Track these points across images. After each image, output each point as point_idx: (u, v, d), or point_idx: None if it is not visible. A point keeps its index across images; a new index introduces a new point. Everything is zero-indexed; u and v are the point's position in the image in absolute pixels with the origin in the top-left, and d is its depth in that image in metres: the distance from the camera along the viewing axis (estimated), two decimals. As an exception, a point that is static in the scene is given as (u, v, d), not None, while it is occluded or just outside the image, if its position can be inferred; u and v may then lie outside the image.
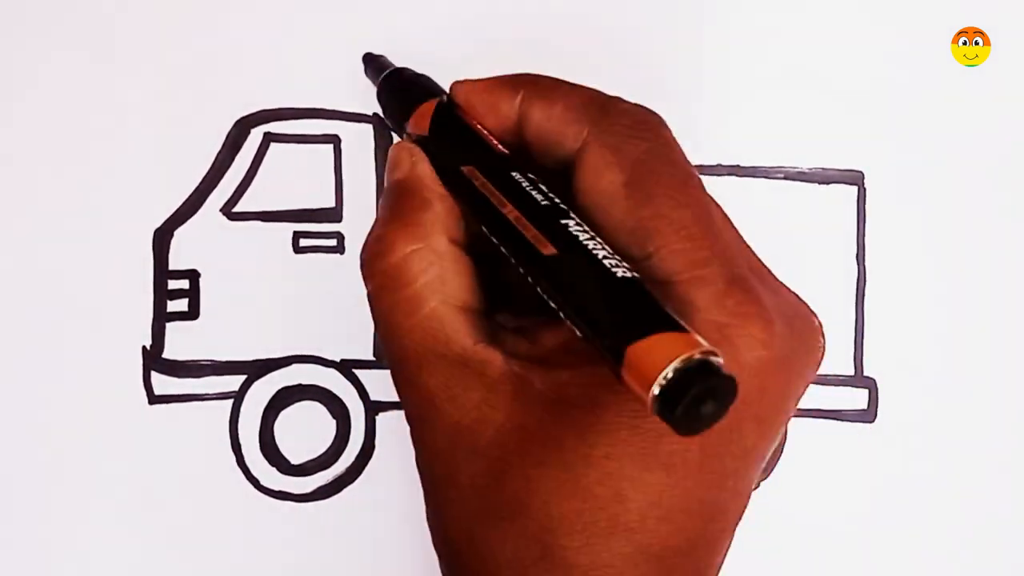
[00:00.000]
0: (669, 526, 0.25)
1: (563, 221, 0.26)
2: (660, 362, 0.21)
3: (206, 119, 0.37)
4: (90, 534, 0.36)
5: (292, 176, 0.37)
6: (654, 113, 0.27)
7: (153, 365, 0.36)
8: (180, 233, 0.36)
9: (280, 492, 0.36)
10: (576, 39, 0.37)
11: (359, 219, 0.37)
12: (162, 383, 0.36)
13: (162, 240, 0.36)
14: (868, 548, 0.37)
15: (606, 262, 0.24)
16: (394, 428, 0.37)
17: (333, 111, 0.37)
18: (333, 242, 0.37)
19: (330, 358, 0.37)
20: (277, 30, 0.37)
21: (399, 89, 0.33)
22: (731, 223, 0.28)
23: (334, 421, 0.37)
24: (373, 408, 0.37)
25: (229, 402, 0.36)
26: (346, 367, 0.37)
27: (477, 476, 0.26)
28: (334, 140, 0.37)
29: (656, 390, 0.21)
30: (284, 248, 0.37)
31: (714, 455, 0.25)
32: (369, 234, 0.28)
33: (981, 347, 0.37)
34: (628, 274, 0.24)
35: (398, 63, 0.35)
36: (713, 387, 0.21)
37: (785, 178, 0.37)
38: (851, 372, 0.37)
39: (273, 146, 0.37)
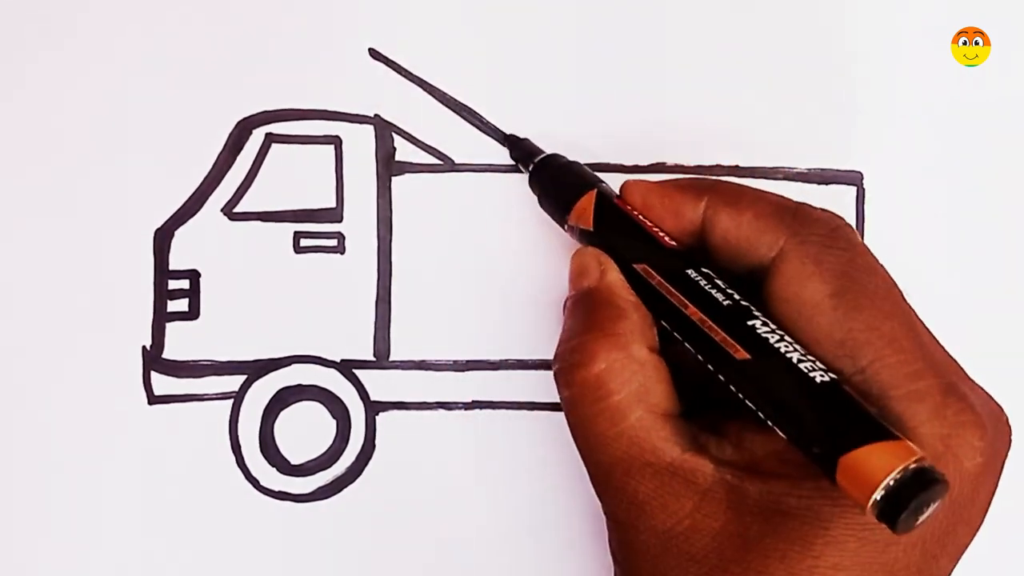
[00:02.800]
0: None
1: (749, 322, 0.26)
2: (878, 473, 0.22)
3: (208, 120, 0.37)
4: (90, 534, 0.36)
5: (293, 176, 0.37)
6: (844, 220, 0.28)
7: (153, 365, 0.36)
8: (181, 233, 0.37)
9: (280, 492, 0.36)
10: (576, 39, 0.37)
11: (359, 219, 0.37)
12: (162, 383, 0.36)
13: (163, 240, 0.36)
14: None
15: (802, 366, 0.25)
16: (394, 428, 0.37)
17: (334, 112, 0.37)
18: (333, 242, 0.37)
19: (330, 358, 0.37)
20: (279, 32, 0.37)
21: (555, 179, 0.33)
22: (928, 329, 0.28)
23: (334, 421, 0.37)
24: (373, 408, 0.37)
25: (229, 402, 0.36)
26: (346, 367, 0.37)
27: None
28: (335, 141, 0.37)
29: (877, 497, 0.22)
30: (284, 248, 0.37)
31: (932, 557, 0.25)
32: (563, 343, 0.28)
33: (980, 347, 0.37)
34: (827, 378, 0.24)
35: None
36: (933, 493, 0.22)
37: (784, 178, 0.36)
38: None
39: (274, 147, 0.37)
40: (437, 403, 0.37)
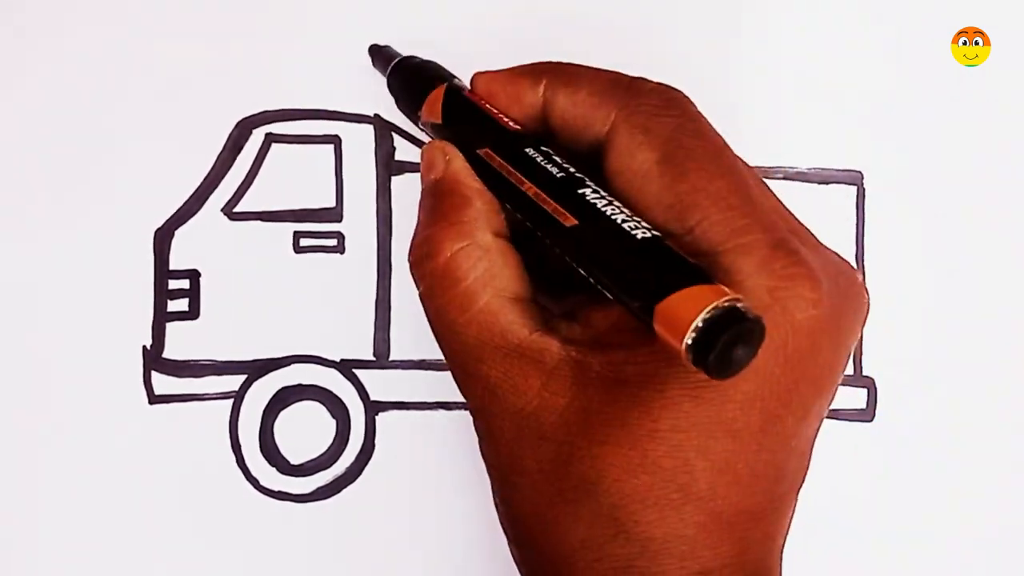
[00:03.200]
0: (739, 491, 0.25)
1: (580, 191, 0.26)
2: (689, 314, 0.22)
3: (208, 120, 0.37)
4: (90, 534, 0.36)
5: (293, 176, 0.37)
6: (678, 90, 0.28)
7: (153, 365, 0.36)
8: (181, 233, 0.37)
9: (280, 492, 0.36)
10: (575, 39, 0.37)
11: (359, 219, 0.37)
12: (162, 383, 0.36)
13: (163, 240, 0.36)
14: (866, 547, 0.37)
15: (625, 226, 0.25)
16: (394, 428, 0.37)
17: (334, 112, 0.37)
18: (333, 242, 0.37)
19: (330, 358, 0.37)
20: (279, 32, 0.37)
21: (409, 78, 0.33)
22: (767, 188, 0.28)
23: (334, 421, 0.37)
24: (373, 408, 0.37)
25: (229, 402, 0.36)
26: (346, 367, 0.37)
27: (544, 461, 0.26)
28: (335, 140, 0.37)
29: (688, 341, 0.22)
30: (284, 248, 0.37)
31: (775, 417, 0.25)
32: (413, 237, 0.28)
33: (980, 347, 0.37)
34: (649, 234, 0.24)
35: (399, 51, 0.35)
36: (742, 330, 0.22)
37: (784, 178, 0.36)
38: (850, 371, 0.37)
39: (274, 147, 0.37)
40: (437, 403, 0.37)
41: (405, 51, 0.34)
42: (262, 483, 0.36)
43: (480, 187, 0.28)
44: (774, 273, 0.25)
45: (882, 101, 0.37)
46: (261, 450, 0.36)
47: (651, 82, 0.28)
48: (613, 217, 0.25)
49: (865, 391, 0.37)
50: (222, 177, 0.37)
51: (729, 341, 0.22)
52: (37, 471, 0.36)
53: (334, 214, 0.37)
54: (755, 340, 0.22)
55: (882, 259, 0.37)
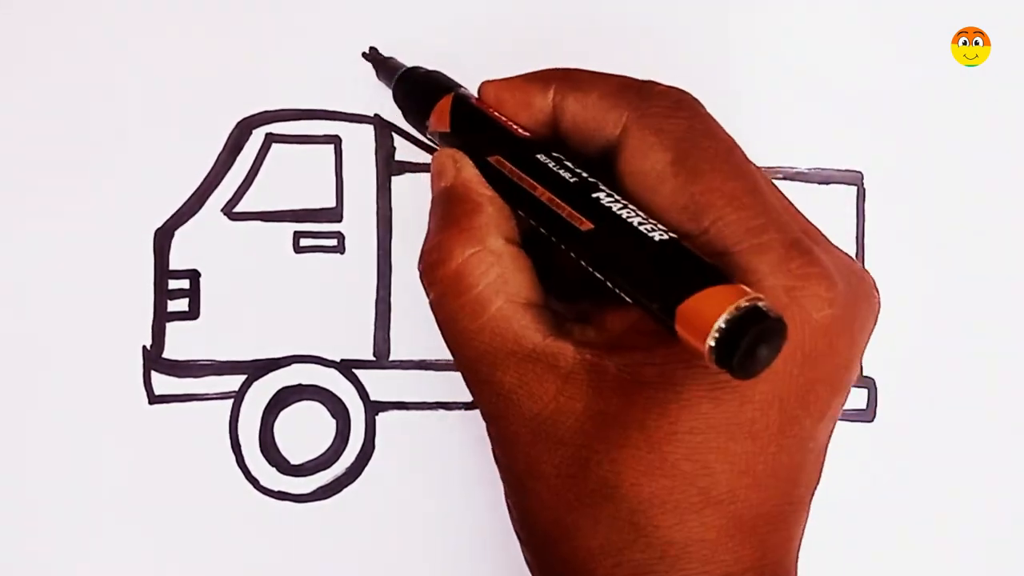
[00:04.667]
0: (758, 494, 0.25)
1: (594, 195, 0.26)
2: (711, 315, 0.22)
3: (208, 120, 0.37)
4: (90, 534, 0.36)
5: (293, 176, 0.37)
6: (688, 92, 0.28)
7: (153, 365, 0.36)
8: (181, 233, 0.37)
9: (280, 492, 0.36)
10: (575, 40, 0.37)
11: (359, 219, 0.37)
12: (162, 383, 0.36)
13: (163, 240, 0.36)
14: (867, 547, 0.37)
15: (642, 228, 0.25)
16: (394, 428, 0.37)
17: (334, 112, 0.37)
18: (333, 242, 0.37)
19: (330, 358, 0.37)
20: (279, 32, 0.37)
21: (415, 89, 0.33)
22: (777, 189, 0.28)
23: (334, 421, 0.37)
24: (373, 408, 0.37)
25: (229, 402, 0.36)
26: (346, 367, 0.37)
27: (562, 465, 0.26)
28: (335, 140, 0.37)
29: (712, 342, 0.22)
30: (284, 248, 0.37)
31: (793, 418, 0.25)
32: (424, 244, 0.28)
33: (980, 347, 0.37)
34: (666, 236, 0.25)
35: (405, 64, 0.35)
36: (765, 330, 0.22)
37: (784, 178, 0.37)
38: (851, 372, 0.37)
39: (274, 147, 0.37)
40: (437, 403, 0.37)
41: (406, 56, 0.34)
42: (262, 483, 0.36)
43: (491, 193, 0.28)
44: (790, 272, 0.25)
45: (882, 101, 0.37)
46: (261, 450, 0.36)
47: (661, 85, 0.28)
48: (629, 220, 0.25)
49: (865, 391, 0.37)
50: (222, 177, 0.37)
51: (753, 341, 0.22)
52: (37, 471, 0.36)
53: (334, 214, 0.37)
54: (777, 339, 0.22)
55: (882, 259, 0.37)
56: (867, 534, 0.37)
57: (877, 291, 0.28)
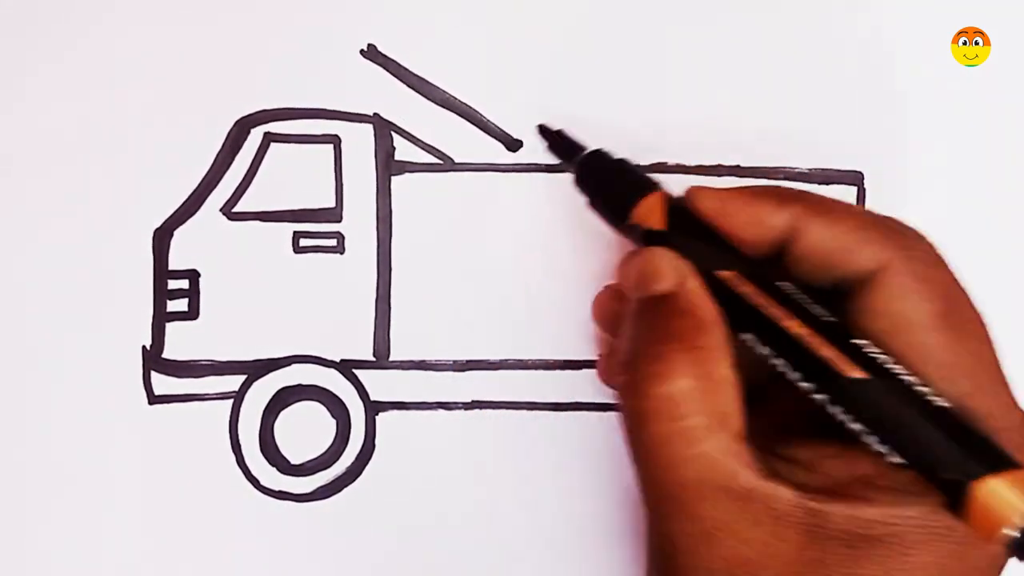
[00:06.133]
0: None
1: (853, 340, 0.25)
2: (1012, 503, 0.22)
3: (206, 119, 0.37)
4: (90, 534, 0.36)
5: (292, 176, 0.37)
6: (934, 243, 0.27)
7: (153, 365, 0.36)
8: (180, 233, 0.36)
9: (280, 492, 0.36)
10: (576, 39, 0.37)
11: (359, 219, 0.37)
12: (162, 383, 0.36)
13: (162, 240, 0.36)
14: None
15: (918, 389, 0.24)
16: (394, 428, 0.37)
17: (333, 111, 0.37)
18: (333, 242, 0.37)
19: (330, 358, 0.37)
20: (277, 30, 0.37)
21: (615, 176, 0.31)
22: None
23: (334, 421, 0.37)
24: (373, 408, 0.37)
25: (229, 402, 0.36)
26: (346, 367, 0.36)
27: None
28: (334, 140, 0.37)
29: (1015, 532, 0.22)
30: (284, 248, 0.37)
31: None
32: (637, 350, 0.27)
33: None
34: (944, 403, 0.24)
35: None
36: None
37: (785, 178, 0.36)
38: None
39: (273, 146, 0.37)
40: (437, 403, 0.36)
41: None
42: (262, 483, 0.36)
43: (718, 314, 0.27)
44: None
45: (882, 101, 0.37)
46: (261, 450, 0.36)
47: (911, 227, 0.28)
48: (904, 377, 0.24)
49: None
50: (221, 177, 0.37)
51: None
52: (37, 471, 0.36)
53: (334, 214, 0.37)
54: None
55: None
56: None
57: None
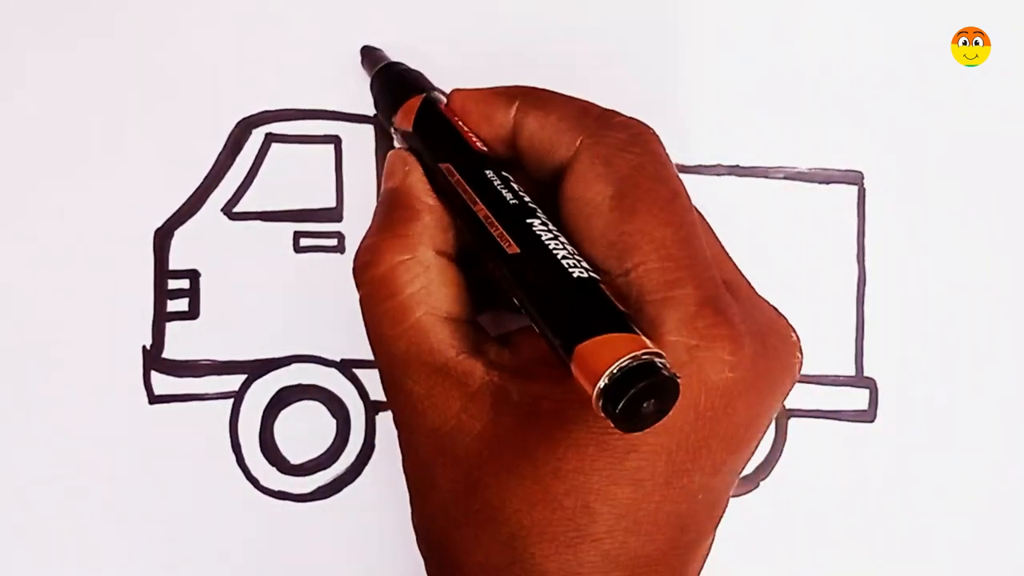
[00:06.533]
0: (637, 538, 0.25)
1: (528, 220, 0.26)
2: (605, 361, 0.22)
3: (208, 120, 0.37)
4: (89, 534, 0.36)
5: (293, 176, 0.37)
6: (648, 127, 0.28)
7: (153, 365, 0.36)
8: (181, 233, 0.37)
9: (280, 492, 0.36)
10: (576, 39, 0.37)
11: (359, 219, 0.37)
12: (162, 383, 0.36)
13: (163, 240, 0.36)
14: (868, 548, 0.37)
15: (565, 262, 0.25)
16: (394, 428, 0.36)
17: (334, 112, 0.37)
18: (334, 242, 0.37)
19: (330, 358, 0.37)
20: (279, 31, 0.37)
21: (390, 83, 0.33)
22: (714, 236, 0.28)
23: (334, 421, 0.37)
24: (373, 408, 0.37)
25: (229, 402, 0.36)
26: (346, 367, 0.37)
27: (455, 482, 0.26)
28: (335, 140, 0.37)
29: (600, 386, 0.22)
30: (284, 248, 0.37)
31: (682, 471, 0.25)
32: (362, 241, 0.29)
33: (981, 347, 0.37)
34: (585, 275, 0.24)
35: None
36: (654, 386, 0.22)
37: (785, 178, 0.37)
38: (851, 372, 0.37)
39: (274, 146, 0.37)
40: (437, 403, 0.36)
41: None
42: (262, 483, 0.36)
43: (432, 203, 0.29)
44: (696, 331, 0.25)
45: (882, 101, 0.37)
46: (261, 450, 0.36)
47: (622, 115, 0.28)
48: (554, 251, 0.25)
49: (867, 392, 0.37)
50: (222, 177, 0.37)
51: (638, 394, 0.21)
52: (37, 471, 0.36)
53: (334, 214, 0.37)
54: (668, 398, 0.22)
55: (882, 259, 0.37)
56: (868, 535, 0.37)
57: (801, 352, 0.28)
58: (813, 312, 0.36)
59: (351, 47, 0.36)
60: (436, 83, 0.36)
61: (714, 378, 0.25)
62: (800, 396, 0.36)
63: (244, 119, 0.37)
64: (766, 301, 0.29)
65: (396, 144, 0.33)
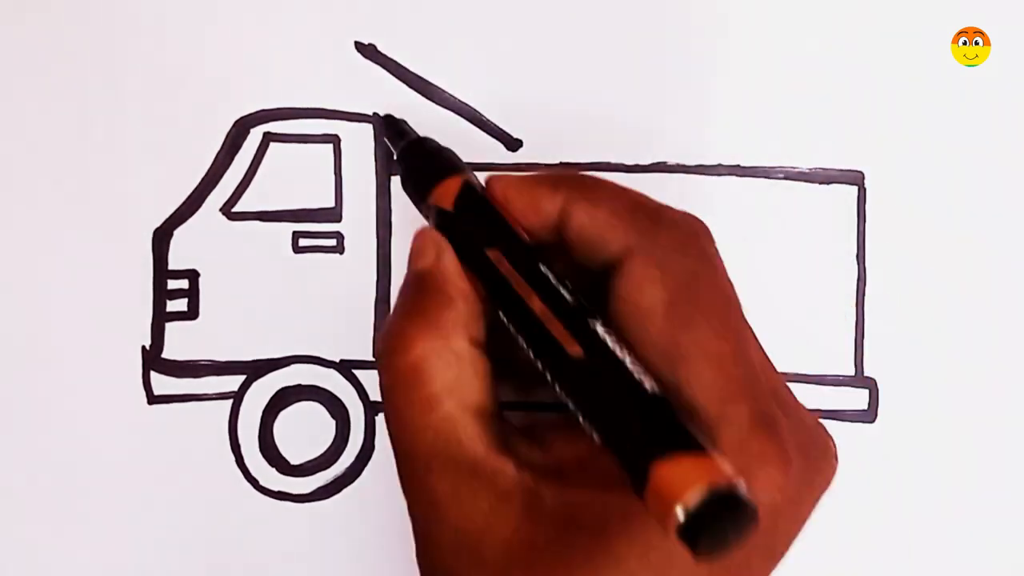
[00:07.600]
0: None
1: (591, 322, 0.25)
2: (686, 484, 0.21)
3: (205, 119, 0.37)
4: (89, 534, 0.36)
5: (292, 176, 0.37)
6: (700, 224, 0.27)
7: (153, 365, 0.36)
8: (180, 233, 0.36)
9: (279, 492, 0.36)
10: (577, 39, 0.37)
11: (359, 219, 0.37)
12: (162, 383, 0.36)
13: (162, 240, 0.36)
14: (868, 548, 0.37)
15: (633, 370, 0.24)
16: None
17: (333, 111, 0.37)
18: (333, 242, 0.37)
19: (330, 358, 0.37)
20: (277, 30, 0.37)
21: (422, 159, 0.32)
22: (760, 347, 0.28)
23: (334, 421, 0.37)
24: (373, 408, 0.37)
25: (229, 402, 0.36)
26: (346, 367, 0.36)
27: None
28: (334, 140, 0.37)
29: (681, 514, 0.21)
30: (284, 248, 0.37)
31: None
32: (388, 324, 0.28)
33: (981, 347, 0.37)
34: (656, 389, 0.24)
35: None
36: (738, 515, 0.21)
37: (785, 178, 0.36)
38: (851, 372, 0.37)
39: (272, 146, 0.37)
40: (437, 403, 0.36)
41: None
42: (262, 483, 0.36)
43: (467, 289, 0.28)
44: (749, 452, 0.24)
45: (882, 101, 0.37)
46: (261, 450, 0.36)
47: (673, 211, 0.27)
48: (622, 359, 0.24)
49: (867, 392, 0.37)
50: (220, 177, 0.37)
51: (724, 525, 0.21)
52: (36, 471, 0.36)
53: (333, 214, 0.37)
54: (747, 526, 0.21)
55: (883, 259, 0.37)
56: (868, 535, 0.37)
57: (836, 458, 0.28)
58: (813, 312, 0.36)
59: (350, 45, 0.36)
60: (436, 82, 0.36)
61: (763, 498, 0.24)
62: (800, 396, 0.36)
63: (242, 118, 0.37)
64: (804, 408, 0.28)
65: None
